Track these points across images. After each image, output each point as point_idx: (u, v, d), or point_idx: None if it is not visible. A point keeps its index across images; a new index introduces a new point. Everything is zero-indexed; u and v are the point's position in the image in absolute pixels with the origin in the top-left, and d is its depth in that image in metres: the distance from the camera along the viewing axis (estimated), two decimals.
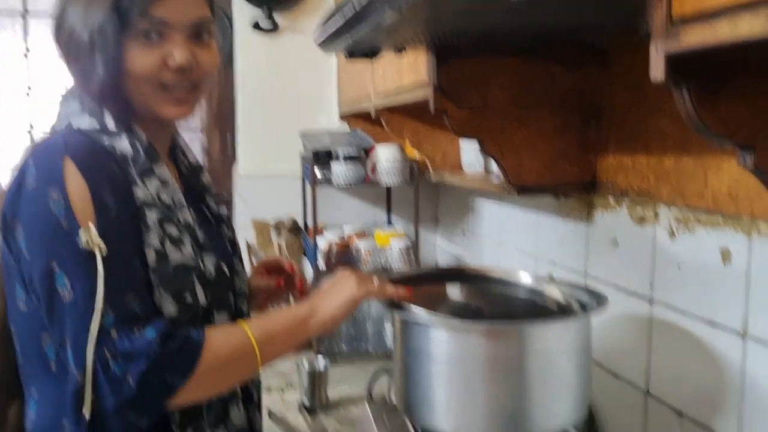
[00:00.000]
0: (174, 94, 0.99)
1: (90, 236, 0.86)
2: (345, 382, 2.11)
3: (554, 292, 1.26)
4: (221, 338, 0.93)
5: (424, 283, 1.36)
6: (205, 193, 1.13)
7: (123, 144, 0.97)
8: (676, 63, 0.70)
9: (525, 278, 1.34)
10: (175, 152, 1.12)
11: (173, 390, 0.87)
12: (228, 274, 1.05)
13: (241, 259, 1.14)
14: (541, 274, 1.81)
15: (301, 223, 2.69)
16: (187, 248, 0.97)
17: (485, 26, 1.15)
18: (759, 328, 1.12)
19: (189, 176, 1.12)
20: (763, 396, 1.11)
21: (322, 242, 2.34)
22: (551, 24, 1.15)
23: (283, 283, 1.26)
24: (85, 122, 0.97)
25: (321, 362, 1.96)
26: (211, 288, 0.99)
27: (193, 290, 0.95)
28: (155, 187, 0.97)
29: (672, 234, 1.34)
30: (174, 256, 0.95)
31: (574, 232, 1.73)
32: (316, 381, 1.90)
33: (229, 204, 1.38)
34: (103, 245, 0.87)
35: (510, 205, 2.14)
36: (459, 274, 1.43)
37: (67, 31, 0.96)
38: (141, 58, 0.95)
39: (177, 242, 0.95)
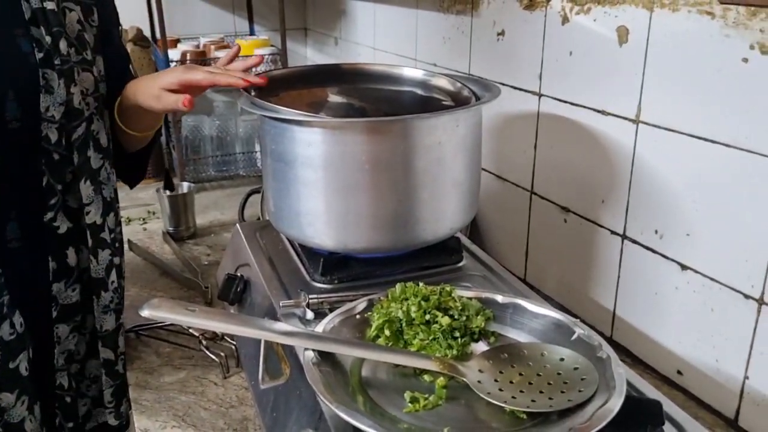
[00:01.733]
0: None
1: None
2: (215, 208, 1.94)
3: (442, 82, 1.11)
4: None
5: (298, 86, 1.16)
6: None
7: None
8: None
9: (410, 72, 1.17)
10: None
11: None
12: None
13: (67, 74, 0.81)
14: None
15: (147, 34, 2.34)
16: None
17: None
18: (653, 111, 1.05)
19: None
20: (651, 184, 1.07)
21: (175, 54, 2.04)
22: None
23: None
24: None
25: (184, 186, 1.77)
26: None
27: None
28: None
29: (565, 18, 1.21)
30: None
31: (456, 28, 1.57)
32: (180, 207, 1.71)
33: (97, 3, 0.93)
34: None
35: (386, 5, 1.92)
36: (335, 72, 1.24)
37: None
38: None
39: None
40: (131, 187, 1.06)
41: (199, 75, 0.87)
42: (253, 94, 1.06)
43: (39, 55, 0.80)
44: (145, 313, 0.74)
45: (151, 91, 0.87)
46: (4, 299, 0.79)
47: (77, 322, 0.86)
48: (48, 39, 0.81)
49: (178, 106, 0.85)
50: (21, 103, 0.80)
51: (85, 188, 0.86)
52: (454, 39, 1.60)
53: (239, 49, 1.00)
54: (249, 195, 1.74)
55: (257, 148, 2.19)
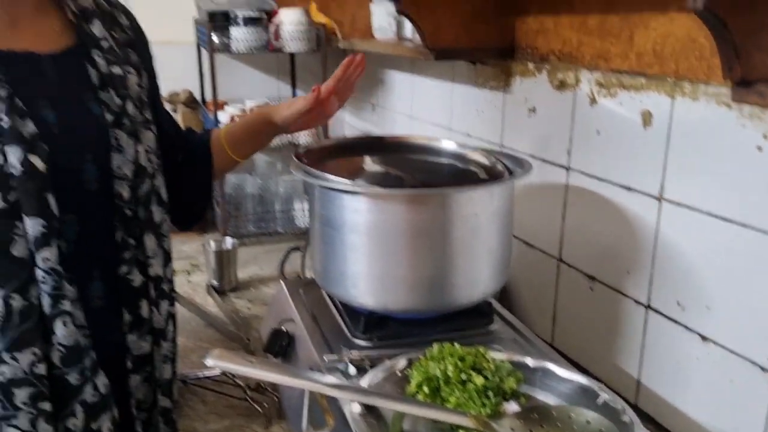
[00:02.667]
0: None
1: None
2: (254, 263, 2.04)
3: (478, 156, 1.20)
4: None
5: (341, 154, 1.27)
6: (93, 48, 0.91)
7: None
8: None
9: (447, 145, 1.27)
10: None
11: None
12: (43, 171, 0.81)
13: (134, 134, 0.92)
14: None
15: (198, 97, 2.49)
16: None
17: None
18: (675, 191, 1.12)
19: (78, 26, 0.92)
20: (673, 258, 1.13)
21: (224, 117, 2.18)
22: None
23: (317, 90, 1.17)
24: None
25: (228, 242, 1.87)
26: (14, 187, 0.79)
27: None
28: None
29: (593, 100, 1.30)
30: None
31: (490, 101, 1.68)
32: (224, 261, 1.81)
33: (149, 65, 1.06)
34: None
35: (423, 75, 2.04)
36: (376, 144, 1.35)
37: None
38: None
39: None
40: (185, 230, 1.16)
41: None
42: (304, 161, 1.17)
43: (109, 117, 0.90)
44: (210, 362, 0.82)
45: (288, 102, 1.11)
46: (88, 361, 0.85)
47: (147, 372, 0.93)
48: (117, 101, 0.90)
49: (308, 98, 1.15)
50: (97, 164, 0.89)
51: (150, 241, 0.94)
52: (487, 112, 1.70)
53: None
54: (289, 252, 1.83)
55: (296, 206, 2.30)
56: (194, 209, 1.16)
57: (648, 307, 1.20)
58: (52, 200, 0.81)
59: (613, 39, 1.23)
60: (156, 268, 0.95)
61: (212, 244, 1.85)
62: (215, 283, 1.81)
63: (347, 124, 2.71)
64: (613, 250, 1.28)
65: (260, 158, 2.41)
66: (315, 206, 1.13)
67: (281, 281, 1.35)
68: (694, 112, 1.07)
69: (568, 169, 1.39)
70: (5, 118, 0.78)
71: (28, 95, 0.82)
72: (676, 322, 1.14)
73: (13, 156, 0.78)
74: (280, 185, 2.32)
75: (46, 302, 0.81)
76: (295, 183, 2.33)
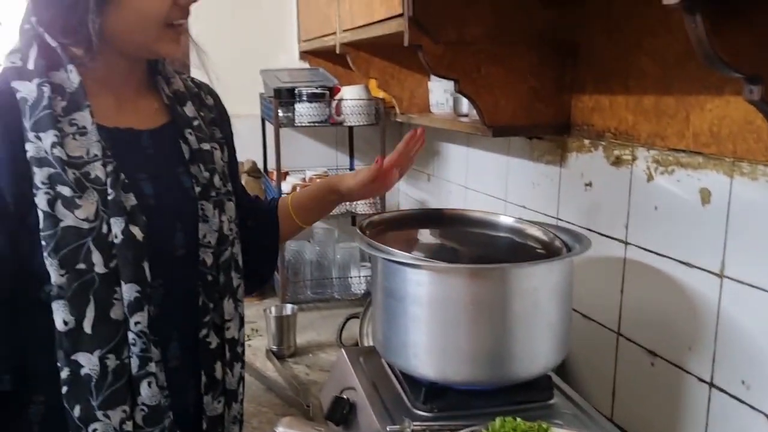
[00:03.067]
0: (178, 31, 0.95)
1: None
2: (312, 328, 2.08)
3: (536, 232, 1.23)
4: None
5: (401, 226, 1.32)
6: (185, 127, 1.01)
7: (28, 88, 0.87)
8: None
9: (505, 219, 1.31)
10: (156, 80, 1.03)
11: None
12: (141, 240, 0.89)
13: (218, 205, 1.00)
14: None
15: (260, 166, 2.61)
16: (86, 210, 0.85)
17: None
18: (737, 268, 1.13)
19: (171, 106, 1.03)
20: (737, 336, 1.13)
21: (286, 186, 2.27)
22: None
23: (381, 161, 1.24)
24: (10, 59, 0.90)
25: (288, 308, 1.92)
26: (115, 255, 0.87)
27: (88, 257, 0.85)
28: (51, 141, 0.85)
29: (650, 176, 1.33)
30: (64, 218, 0.85)
31: (546, 174, 1.71)
32: (284, 327, 1.86)
33: (230, 141, 1.17)
34: None
35: (478, 148, 2.10)
36: (436, 216, 1.40)
37: None
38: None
39: (70, 203, 0.85)
40: (249, 294, 1.23)
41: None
42: (367, 234, 1.22)
43: (197, 189, 0.98)
44: (280, 430, 0.86)
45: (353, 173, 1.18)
46: (167, 421, 0.91)
47: None
48: (205, 174, 0.99)
49: (372, 170, 1.21)
50: (185, 232, 0.96)
51: (228, 305, 1.01)
52: (543, 185, 1.74)
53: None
54: (347, 320, 1.87)
55: (352, 273, 2.35)
56: (261, 273, 1.22)
57: (711, 384, 1.19)
58: (146, 267, 0.88)
59: (668, 119, 1.26)
60: (232, 331, 1.01)
61: (273, 309, 1.91)
62: (275, 348, 1.86)
63: (403, 193, 2.78)
64: (673, 326, 1.28)
65: (318, 226, 2.48)
66: (378, 277, 1.18)
67: (341, 349, 1.38)
68: (754, 191, 1.09)
69: (625, 243, 1.41)
70: (111, 192, 0.86)
71: (130, 169, 0.91)
72: (740, 400, 1.12)
73: (116, 226, 0.86)
74: (337, 252, 2.38)
75: (134, 363, 0.87)
76: (352, 250, 2.39)
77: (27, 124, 0.85)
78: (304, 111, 2.15)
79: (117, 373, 0.86)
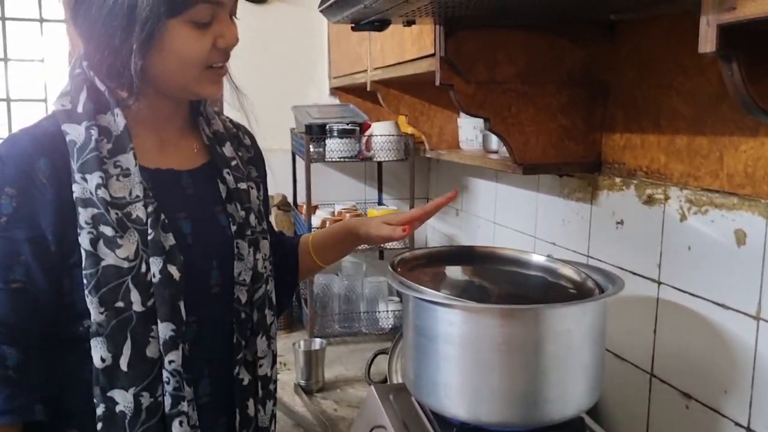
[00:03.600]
0: (219, 73, 0.98)
1: None
2: (339, 362, 2.08)
3: (568, 271, 1.23)
4: None
5: (432, 263, 1.32)
6: (223, 167, 1.03)
7: (77, 131, 0.91)
8: (728, 34, 0.67)
9: (537, 258, 1.31)
10: (198, 121, 1.06)
11: None
12: (178, 280, 0.91)
13: (254, 243, 1.02)
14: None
15: (290, 200, 2.64)
16: (126, 249, 0.88)
17: None
18: None
19: (211, 147, 1.06)
20: None
21: (316, 221, 2.30)
22: None
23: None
24: (60, 101, 0.94)
25: (317, 342, 1.93)
26: (152, 294, 0.89)
27: (126, 295, 0.88)
28: (96, 182, 0.88)
29: (683, 216, 1.32)
30: (106, 257, 0.87)
31: (576, 212, 1.71)
32: (312, 361, 1.87)
33: (264, 180, 1.20)
34: None
35: (507, 184, 2.11)
36: (467, 254, 1.40)
37: None
38: (191, 42, 0.92)
39: (112, 243, 0.87)
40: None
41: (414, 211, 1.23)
42: (398, 271, 1.22)
43: (233, 228, 1.00)
44: None
45: (376, 221, 1.19)
46: None
47: None
48: (241, 213, 1.01)
49: (396, 232, 1.17)
50: (221, 270, 0.99)
51: (261, 343, 1.02)
52: (573, 222, 1.73)
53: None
54: (376, 355, 1.87)
55: (380, 307, 2.35)
56: (280, 304, 1.24)
57: (748, 429, 1.16)
58: (182, 306, 0.90)
59: (701, 159, 1.26)
60: (265, 368, 1.02)
61: (302, 344, 1.91)
62: (303, 382, 1.86)
63: (431, 227, 2.79)
64: (708, 368, 1.25)
65: (347, 260, 2.50)
66: (409, 316, 1.18)
67: (371, 386, 1.38)
68: None
69: (658, 283, 1.39)
70: (151, 231, 0.89)
71: (170, 209, 0.94)
72: None
73: (155, 266, 0.88)
74: (365, 286, 2.39)
75: (167, 402, 0.88)
76: (380, 284, 2.39)
77: (74, 165, 0.88)
78: (334, 146, 2.18)
79: (150, 410, 0.87)
